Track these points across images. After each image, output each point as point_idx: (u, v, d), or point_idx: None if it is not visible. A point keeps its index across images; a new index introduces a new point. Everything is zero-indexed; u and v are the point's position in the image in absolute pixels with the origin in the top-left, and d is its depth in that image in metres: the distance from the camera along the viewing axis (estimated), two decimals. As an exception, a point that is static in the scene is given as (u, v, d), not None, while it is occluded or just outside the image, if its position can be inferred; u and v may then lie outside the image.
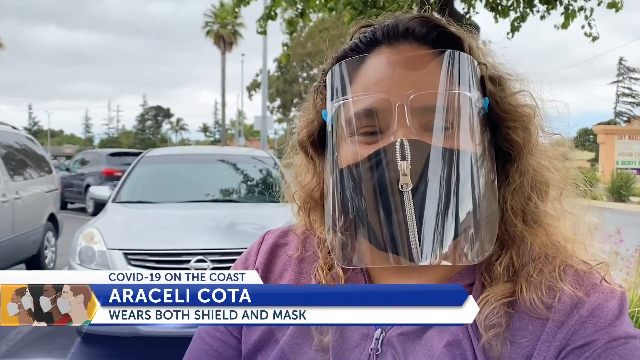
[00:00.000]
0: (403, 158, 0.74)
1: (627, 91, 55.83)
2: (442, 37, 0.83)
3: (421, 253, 0.73)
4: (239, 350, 0.93)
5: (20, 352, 5.29)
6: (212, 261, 4.69)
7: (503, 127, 0.84)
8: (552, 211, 0.85)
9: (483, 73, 0.83)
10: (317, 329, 0.85)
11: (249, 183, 6.62)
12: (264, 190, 6.53)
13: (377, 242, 0.76)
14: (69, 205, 18.18)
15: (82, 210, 16.98)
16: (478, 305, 0.79)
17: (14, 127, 8.44)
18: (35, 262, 8.13)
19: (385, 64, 0.81)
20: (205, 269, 4.71)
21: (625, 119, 54.34)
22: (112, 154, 18.16)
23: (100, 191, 6.78)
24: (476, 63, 0.82)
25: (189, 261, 4.67)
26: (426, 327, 0.81)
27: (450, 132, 0.77)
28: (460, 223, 0.75)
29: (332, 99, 0.83)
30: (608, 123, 47.74)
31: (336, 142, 0.82)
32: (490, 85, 0.83)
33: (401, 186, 0.73)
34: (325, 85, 0.87)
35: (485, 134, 0.81)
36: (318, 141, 0.91)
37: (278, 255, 0.96)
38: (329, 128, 0.84)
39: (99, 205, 7.14)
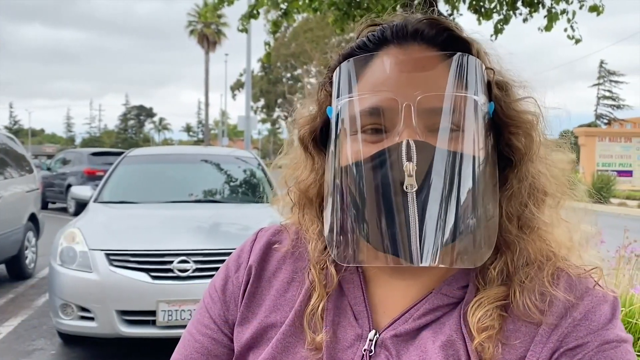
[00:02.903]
0: (409, 159, 0.73)
1: (607, 94, 56.48)
2: (451, 40, 0.83)
3: (421, 255, 0.73)
4: (229, 348, 0.92)
5: (1, 354, 5.22)
6: (195, 262, 4.66)
7: (506, 132, 0.83)
8: (548, 219, 0.84)
9: (490, 78, 0.83)
10: (310, 328, 0.84)
11: (232, 183, 6.60)
12: (248, 190, 6.52)
13: (377, 242, 0.75)
14: (50, 205, 18.03)
15: (64, 210, 16.86)
16: (471, 307, 0.79)
17: (-6, 126, 8.34)
18: (15, 262, 8.04)
19: (393, 63, 0.80)
20: (188, 270, 4.70)
21: (605, 121, 55.01)
22: (94, 154, 17.97)
23: (81, 191, 6.68)
24: (484, 67, 0.81)
25: (171, 262, 4.64)
26: (420, 328, 0.81)
27: (456, 134, 0.76)
28: (461, 226, 0.74)
29: (338, 96, 0.83)
30: (589, 125, 48.34)
31: (340, 139, 0.81)
32: (497, 90, 0.83)
33: (406, 187, 0.73)
34: (330, 82, 0.86)
35: (489, 139, 0.81)
36: (320, 138, 0.90)
37: (272, 253, 0.95)
38: (333, 125, 0.84)
39: (81, 205, 7.08)
